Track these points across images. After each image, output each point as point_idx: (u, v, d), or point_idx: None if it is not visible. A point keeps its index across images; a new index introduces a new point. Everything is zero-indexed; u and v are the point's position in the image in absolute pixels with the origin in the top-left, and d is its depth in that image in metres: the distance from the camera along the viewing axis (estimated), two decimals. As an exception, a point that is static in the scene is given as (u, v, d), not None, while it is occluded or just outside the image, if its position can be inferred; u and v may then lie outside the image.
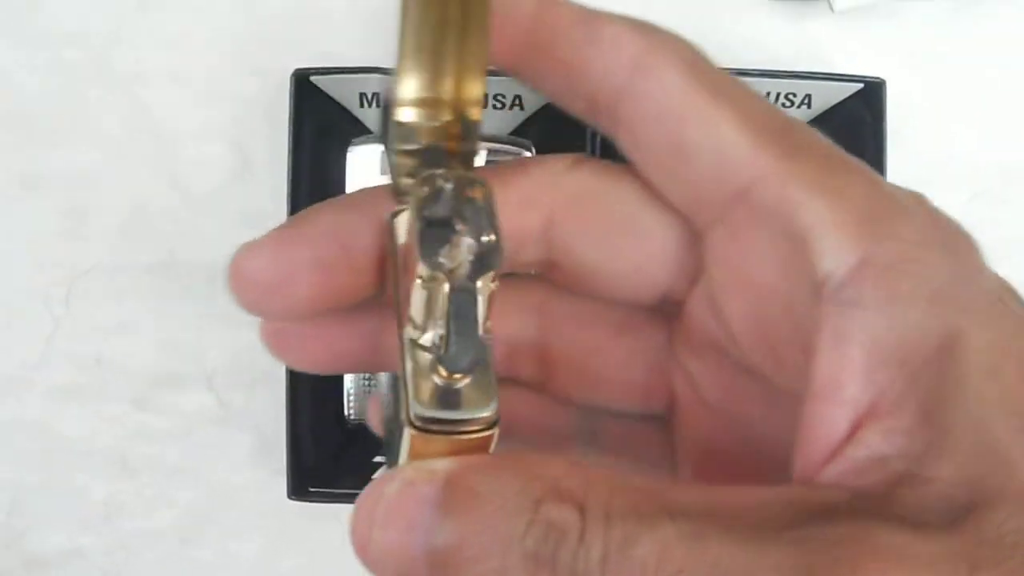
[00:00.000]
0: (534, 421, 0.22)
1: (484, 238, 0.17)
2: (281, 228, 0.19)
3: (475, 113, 0.18)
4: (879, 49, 0.41)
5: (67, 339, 0.42)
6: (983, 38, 0.41)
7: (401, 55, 0.17)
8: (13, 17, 0.41)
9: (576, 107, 0.19)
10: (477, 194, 0.17)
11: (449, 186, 0.17)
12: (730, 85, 0.18)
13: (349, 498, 0.37)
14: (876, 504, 0.15)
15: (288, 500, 0.37)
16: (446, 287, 0.17)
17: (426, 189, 0.17)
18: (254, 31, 0.41)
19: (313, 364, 0.21)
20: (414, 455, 0.17)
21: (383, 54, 0.41)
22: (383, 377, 0.25)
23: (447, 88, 0.18)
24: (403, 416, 0.17)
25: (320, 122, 0.38)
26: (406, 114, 0.18)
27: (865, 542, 0.14)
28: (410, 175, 0.18)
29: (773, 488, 0.15)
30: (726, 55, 0.39)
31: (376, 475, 0.17)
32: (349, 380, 0.39)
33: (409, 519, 0.15)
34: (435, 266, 0.17)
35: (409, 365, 0.17)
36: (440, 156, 0.18)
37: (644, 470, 0.22)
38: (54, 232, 0.41)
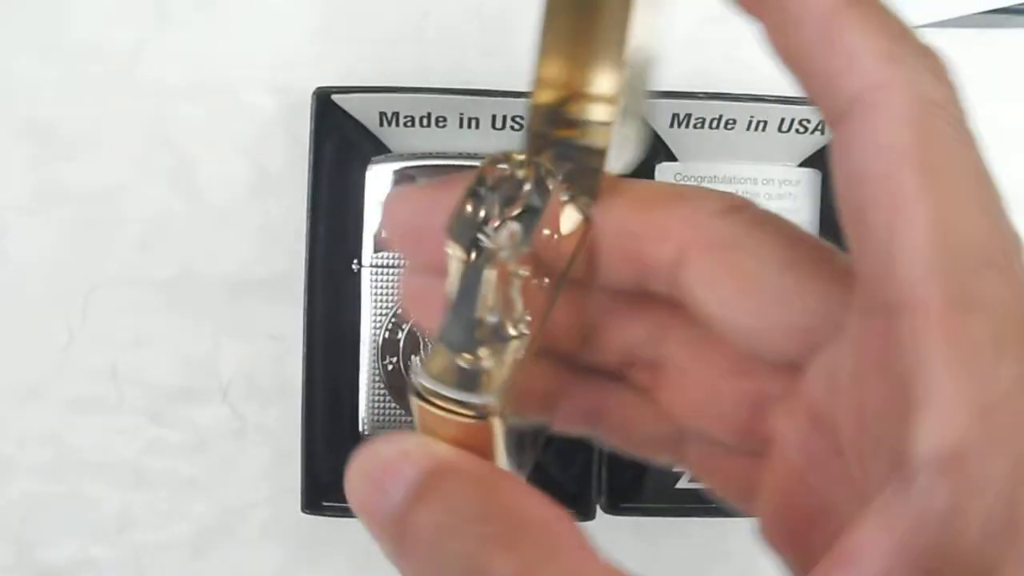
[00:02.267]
0: (627, 422, 0.22)
1: (510, 225, 0.17)
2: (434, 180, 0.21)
3: (597, 111, 0.17)
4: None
5: (83, 351, 0.42)
6: (1010, 63, 0.42)
7: (539, 39, 0.18)
8: (36, 31, 0.42)
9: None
10: (530, 174, 0.17)
11: (505, 167, 0.17)
12: (954, 159, 0.15)
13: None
14: None
15: (302, 514, 0.37)
16: (462, 263, 0.17)
17: (488, 166, 0.18)
18: (275, 48, 0.42)
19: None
20: (422, 425, 0.18)
21: (404, 74, 0.41)
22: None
23: (570, 77, 0.18)
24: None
25: (340, 140, 0.38)
26: (540, 95, 0.18)
27: None
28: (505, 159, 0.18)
29: None
30: (744, 80, 0.39)
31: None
32: (364, 394, 0.39)
33: (385, 487, 0.17)
34: (452, 236, 0.17)
35: (436, 336, 0.18)
36: (555, 145, 0.18)
37: (722, 493, 0.21)
38: (72, 244, 0.42)
